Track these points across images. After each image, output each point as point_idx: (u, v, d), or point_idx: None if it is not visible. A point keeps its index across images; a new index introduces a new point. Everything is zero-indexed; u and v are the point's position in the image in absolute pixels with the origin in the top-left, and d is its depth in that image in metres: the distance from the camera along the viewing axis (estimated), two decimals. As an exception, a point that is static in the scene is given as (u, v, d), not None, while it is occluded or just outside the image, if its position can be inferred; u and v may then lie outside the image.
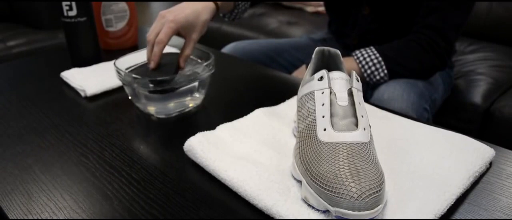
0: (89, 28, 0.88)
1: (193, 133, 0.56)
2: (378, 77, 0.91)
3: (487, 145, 0.55)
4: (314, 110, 0.49)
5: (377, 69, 0.90)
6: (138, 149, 0.59)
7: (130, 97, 0.70)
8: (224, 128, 0.59)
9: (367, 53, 0.91)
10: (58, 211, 0.47)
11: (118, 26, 1.01)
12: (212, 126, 0.59)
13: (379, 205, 0.40)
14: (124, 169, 0.54)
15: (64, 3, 0.83)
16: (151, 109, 0.68)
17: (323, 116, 0.47)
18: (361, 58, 0.91)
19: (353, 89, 0.49)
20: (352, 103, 0.49)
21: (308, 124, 0.49)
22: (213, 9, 0.77)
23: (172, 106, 0.68)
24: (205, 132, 0.57)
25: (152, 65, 0.68)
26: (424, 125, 0.61)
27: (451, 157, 0.52)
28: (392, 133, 0.59)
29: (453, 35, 0.89)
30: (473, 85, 1.26)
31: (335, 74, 0.51)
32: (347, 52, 0.99)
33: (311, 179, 0.44)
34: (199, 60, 0.74)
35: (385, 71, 0.90)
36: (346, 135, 0.45)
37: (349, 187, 0.40)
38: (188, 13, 0.71)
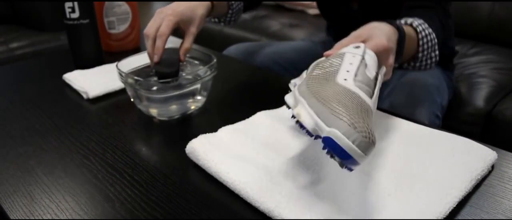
0: (91, 30, 0.88)
1: (195, 135, 0.56)
2: (429, 61, 0.73)
3: (489, 148, 0.55)
4: (339, 64, 0.49)
5: (430, 53, 0.72)
6: (140, 151, 0.59)
7: (132, 99, 0.70)
8: (226, 130, 0.59)
9: (427, 31, 0.70)
10: (60, 213, 0.47)
11: (121, 28, 1.02)
12: (214, 129, 0.59)
13: (366, 154, 0.39)
14: (126, 171, 0.54)
15: (66, 5, 0.83)
16: (153, 111, 0.68)
17: (348, 71, 0.48)
18: (423, 34, 0.70)
19: (379, 75, 0.51)
20: (375, 82, 0.50)
21: (327, 71, 0.49)
22: (208, 5, 0.78)
23: (174, 109, 0.68)
24: (207, 134, 0.57)
25: (155, 58, 0.69)
26: (426, 127, 0.61)
27: (453, 159, 0.52)
28: (394, 136, 0.59)
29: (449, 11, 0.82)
30: (475, 88, 1.26)
31: (369, 52, 0.52)
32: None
33: (316, 99, 0.43)
34: (201, 63, 0.74)
35: (436, 52, 0.73)
36: (363, 95, 0.45)
37: (354, 117, 0.39)
38: (185, 8, 0.73)
